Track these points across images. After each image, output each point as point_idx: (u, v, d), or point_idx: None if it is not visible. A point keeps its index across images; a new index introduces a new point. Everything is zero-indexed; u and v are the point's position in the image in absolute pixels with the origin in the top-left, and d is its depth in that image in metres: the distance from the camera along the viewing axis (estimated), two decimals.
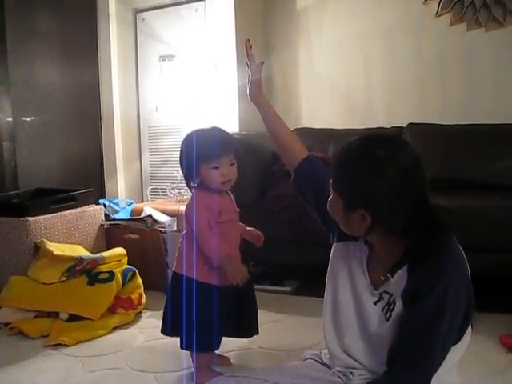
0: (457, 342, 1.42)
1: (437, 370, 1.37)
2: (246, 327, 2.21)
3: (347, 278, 1.56)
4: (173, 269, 2.17)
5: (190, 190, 2.16)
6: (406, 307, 1.39)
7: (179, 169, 2.17)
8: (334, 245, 1.64)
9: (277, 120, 1.86)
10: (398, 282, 1.42)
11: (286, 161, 1.83)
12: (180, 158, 2.10)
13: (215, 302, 2.02)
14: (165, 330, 2.17)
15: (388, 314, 1.43)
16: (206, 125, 2.19)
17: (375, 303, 1.47)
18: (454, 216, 1.40)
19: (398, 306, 1.41)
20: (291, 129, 3.96)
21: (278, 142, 1.85)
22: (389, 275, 1.45)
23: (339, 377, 1.54)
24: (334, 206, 1.47)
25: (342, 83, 4.18)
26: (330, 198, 1.48)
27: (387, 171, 1.35)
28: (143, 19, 4.46)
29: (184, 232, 2.16)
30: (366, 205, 1.37)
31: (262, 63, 1.89)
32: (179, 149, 2.12)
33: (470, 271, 1.41)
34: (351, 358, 1.52)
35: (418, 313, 1.35)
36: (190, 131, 2.13)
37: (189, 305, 2.02)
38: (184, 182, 2.17)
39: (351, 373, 1.51)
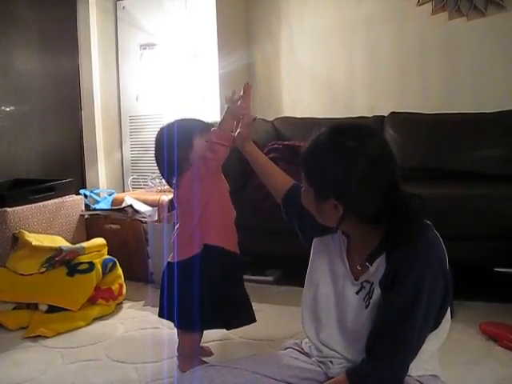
0: (435, 328, 1.42)
1: (415, 357, 1.38)
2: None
3: (328, 271, 1.56)
4: (174, 259, 2.06)
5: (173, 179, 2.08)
6: (384, 294, 1.39)
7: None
8: (313, 240, 1.64)
9: (264, 163, 1.88)
10: (377, 270, 1.42)
11: (275, 193, 1.85)
12: (167, 143, 2.02)
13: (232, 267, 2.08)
14: (164, 316, 2.11)
15: (367, 302, 1.44)
16: (186, 114, 2.18)
17: (357, 293, 1.47)
18: (425, 203, 1.41)
19: (376, 293, 1.41)
20: (273, 118, 4.00)
21: (267, 181, 1.87)
22: (367, 264, 1.45)
23: (319, 366, 1.55)
24: (306, 197, 1.49)
25: (323, 72, 4.18)
26: (302, 189, 1.50)
27: (355, 161, 1.35)
28: (123, 7, 4.41)
29: (177, 226, 2.11)
30: (336, 195, 1.38)
31: (255, 119, 1.90)
32: (163, 137, 2.05)
33: (448, 258, 1.41)
34: (331, 350, 1.53)
35: (394, 298, 1.36)
36: (168, 122, 2.10)
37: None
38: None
39: (331, 362, 1.52)
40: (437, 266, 1.37)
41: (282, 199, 1.80)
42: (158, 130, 2.10)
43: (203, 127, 2.05)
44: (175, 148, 1.99)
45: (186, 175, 2.02)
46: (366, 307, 1.43)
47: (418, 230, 1.38)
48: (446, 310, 1.43)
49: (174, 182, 2.09)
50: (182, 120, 2.10)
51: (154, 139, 2.09)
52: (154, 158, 2.10)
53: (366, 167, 1.35)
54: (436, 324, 1.42)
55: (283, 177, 1.84)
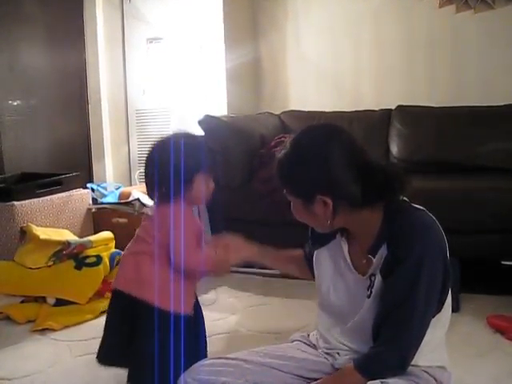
0: (438, 312, 1.43)
1: (420, 341, 1.38)
2: None
3: (335, 276, 1.57)
4: (137, 294, 1.68)
5: (159, 201, 1.75)
6: (385, 281, 1.41)
7: None
8: (315, 253, 1.64)
9: (278, 259, 1.83)
10: (380, 261, 1.43)
11: (299, 272, 1.79)
12: (164, 161, 1.69)
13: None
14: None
15: (369, 292, 1.45)
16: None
17: (368, 288, 1.47)
18: (399, 169, 1.47)
19: (378, 281, 1.42)
20: (280, 111, 3.99)
21: (286, 269, 1.85)
22: (370, 256, 1.45)
23: (325, 357, 1.56)
24: (296, 209, 1.50)
25: (330, 66, 4.16)
26: (291, 206, 1.51)
27: (325, 151, 1.40)
28: (130, 1, 4.41)
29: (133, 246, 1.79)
30: (320, 189, 1.40)
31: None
32: (159, 152, 1.72)
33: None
34: (338, 342, 1.54)
35: (395, 283, 1.38)
36: (170, 135, 1.77)
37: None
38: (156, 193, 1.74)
39: (338, 353, 1.52)
40: (435, 248, 1.38)
41: (307, 267, 1.73)
42: (165, 138, 1.76)
43: (208, 163, 1.75)
44: (172, 171, 1.68)
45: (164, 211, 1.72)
46: (369, 297, 1.44)
47: (411, 205, 1.43)
48: (448, 292, 1.44)
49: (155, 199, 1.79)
50: (189, 141, 1.74)
51: (156, 148, 1.76)
52: None
53: (336, 151, 1.40)
54: (439, 307, 1.43)
55: (294, 254, 1.81)
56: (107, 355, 1.78)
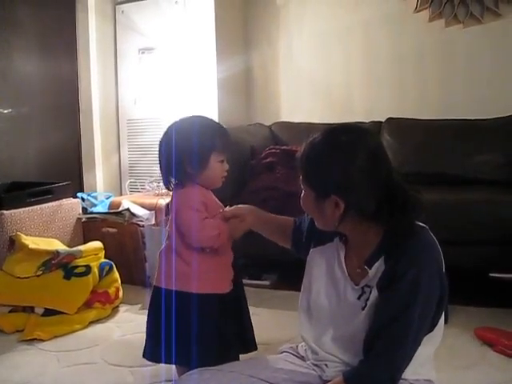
0: (430, 331, 1.43)
1: (411, 359, 1.39)
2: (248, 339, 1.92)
3: (327, 279, 1.57)
4: (165, 286, 1.79)
5: (177, 183, 1.78)
6: (381, 294, 1.41)
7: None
8: (310, 251, 1.65)
9: (270, 224, 1.84)
10: (376, 273, 1.44)
11: (282, 239, 1.82)
12: (179, 143, 1.72)
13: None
14: (159, 358, 1.84)
15: (364, 304, 1.45)
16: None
17: (358, 298, 1.48)
18: (421, 195, 1.45)
19: (373, 294, 1.43)
20: (270, 123, 4.00)
21: (273, 238, 1.85)
22: (366, 267, 1.45)
23: (313, 369, 1.55)
24: (306, 200, 1.49)
25: (321, 78, 4.19)
26: (302, 195, 1.50)
27: (355, 155, 1.39)
28: (122, 11, 4.42)
29: (165, 244, 1.83)
30: (337, 191, 1.40)
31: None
32: (175, 132, 1.77)
33: (444, 263, 1.43)
34: (327, 353, 1.54)
35: (392, 298, 1.38)
36: (184, 117, 1.84)
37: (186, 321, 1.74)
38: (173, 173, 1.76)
39: (326, 365, 1.52)
40: (434, 268, 1.39)
41: (290, 238, 1.77)
42: (178, 120, 1.83)
43: (222, 142, 1.78)
44: (187, 154, 1.72)
45: (180, 195, 1.77)
46: (363, 309, 1.44)
47: (416, 230, 1.41)
48: (442, 313, 1.45)
49: (172, 186, 1.81)
50: (202, 121, 1.83)
51: (169, 129, 1.80)
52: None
53: (366, 161, 1.38)
54: (431, 327, 1.43)
55: (284, 220, 1.82)
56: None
